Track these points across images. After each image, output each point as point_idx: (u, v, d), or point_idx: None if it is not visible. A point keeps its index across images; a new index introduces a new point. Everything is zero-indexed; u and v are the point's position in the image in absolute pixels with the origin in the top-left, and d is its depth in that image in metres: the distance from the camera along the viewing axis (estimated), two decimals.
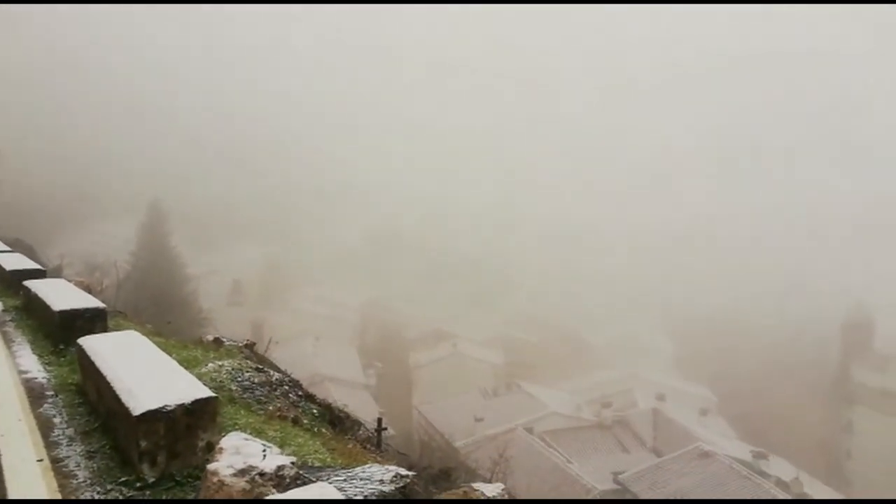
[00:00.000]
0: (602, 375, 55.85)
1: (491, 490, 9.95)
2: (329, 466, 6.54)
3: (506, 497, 10.23)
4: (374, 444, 11.00)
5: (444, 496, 6.48)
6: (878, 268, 59.26)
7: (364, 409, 27.48)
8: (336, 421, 10.16)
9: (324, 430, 9.03)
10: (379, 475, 5.91)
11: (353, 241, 74.70)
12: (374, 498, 5.42)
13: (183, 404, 5.49)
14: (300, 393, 10.10)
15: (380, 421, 11.81)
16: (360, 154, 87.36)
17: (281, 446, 7.24)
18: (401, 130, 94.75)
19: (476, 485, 10.19)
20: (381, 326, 67.84)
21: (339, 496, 4.31)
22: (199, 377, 7.21)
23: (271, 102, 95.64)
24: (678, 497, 33.57)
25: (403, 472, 6.11)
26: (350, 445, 8.66)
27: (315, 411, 9.72)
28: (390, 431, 42.94)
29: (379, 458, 8.83)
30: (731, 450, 39.64)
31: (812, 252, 63.95)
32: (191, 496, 5.21)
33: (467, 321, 63.76)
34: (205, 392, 5.78)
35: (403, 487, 5.78)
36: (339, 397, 13.96)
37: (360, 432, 11.00)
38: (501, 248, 69.82)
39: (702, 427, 45.76)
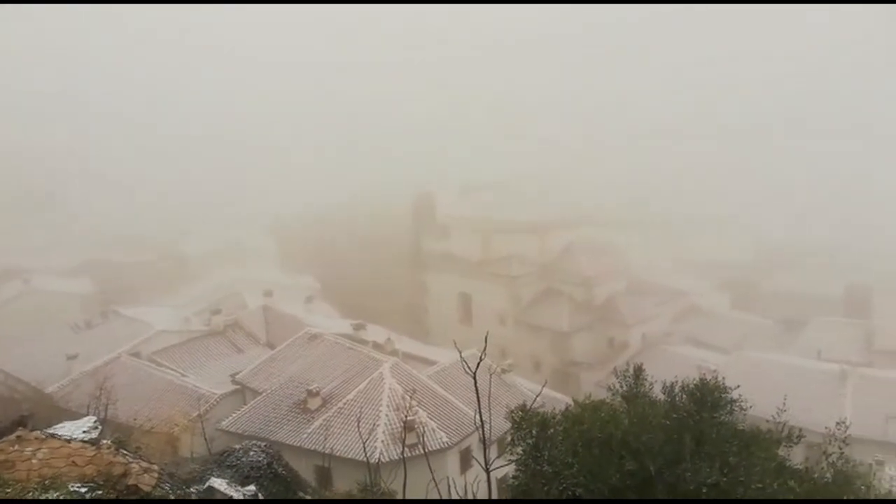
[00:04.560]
0: (208, 284, 54.86)
1: (76, 428, 9.17)
2: None
3: (97, 427, 9.49)
4: None
5: None
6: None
7: None
8: None
9: None
10: None
11: None
12: None
13: None
14: None
15: None
16: None
17: None
18: None
19: (61, 426, 9.22)
20: None
21: None
22: None
23: None
24: (293, 380, 36.01)
25: None
26: None
27: None
28: None
29: None
30: (336, 328, 43.51)
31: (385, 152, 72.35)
32: None
33: (40, 251, 54.50)
34: None
35: None
36: None
37: None
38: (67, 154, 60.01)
39: (309, 313, 49.26)
